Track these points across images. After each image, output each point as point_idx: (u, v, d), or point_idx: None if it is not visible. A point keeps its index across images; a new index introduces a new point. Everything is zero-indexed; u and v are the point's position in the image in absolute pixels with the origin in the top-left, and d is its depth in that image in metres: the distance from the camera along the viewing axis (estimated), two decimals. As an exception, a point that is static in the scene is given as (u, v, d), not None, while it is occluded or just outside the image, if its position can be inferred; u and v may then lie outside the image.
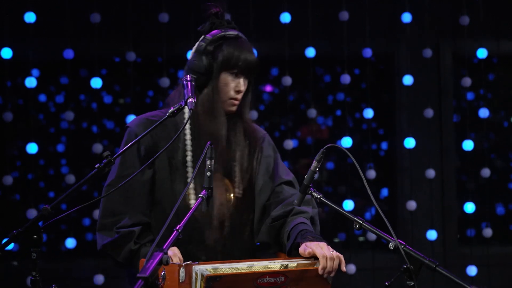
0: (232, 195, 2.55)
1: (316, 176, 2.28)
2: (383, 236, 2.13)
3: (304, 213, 2.50)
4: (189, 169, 2.50)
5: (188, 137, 2.53)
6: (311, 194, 2.27)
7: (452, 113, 5.53)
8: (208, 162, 2.19)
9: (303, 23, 5.03)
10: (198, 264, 2.11)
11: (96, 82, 4.90)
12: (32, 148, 4.84)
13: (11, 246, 2.20)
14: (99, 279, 4.81)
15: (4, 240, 2.08)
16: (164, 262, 1.85)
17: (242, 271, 2.14)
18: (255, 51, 2.59)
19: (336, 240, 5.67)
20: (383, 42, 5.44)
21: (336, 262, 2.27)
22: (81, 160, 5.29)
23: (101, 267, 4.82)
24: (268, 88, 5.73)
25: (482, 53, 5.21)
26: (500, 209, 5.78)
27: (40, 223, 2.09)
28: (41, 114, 5.59)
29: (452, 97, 5.52)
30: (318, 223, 2.57)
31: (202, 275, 2.07)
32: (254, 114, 4.75)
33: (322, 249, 2.26)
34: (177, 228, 1.98)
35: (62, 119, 5.47)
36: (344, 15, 4.98)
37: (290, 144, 4.95)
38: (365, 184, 2.14)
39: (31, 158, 5.02)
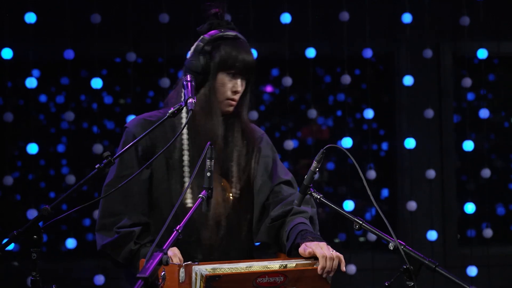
0: (229, 195, 2.55)
1: (316, 176, 2.28)
2: (383, 236, 2.13)
3: (303, 213, 2.50)
4: (186, 169, 2.50)
5: (185, 136, 2.52)
6: (311, 194, 2.26)
7: (452, 114, 5.53)
8: (208, 162, 2.19)
9: (303, 23, 5.02)
10: (198, 264, 2.11)
11: (97, 83, 4.90)
12: (32, 148, 4.84)
13: (11, 247, 2.20)
14: (99, 279, 4.82)
15: (5, 240, 2.07)
16: (164, 262, 1.85)
17: (242, 271, 2.14)
18: (255, 52, 2.60)
19: (336, 240, 5.67)
20: (383, 43, 5.44)
21: (335, 262, 2.27)
22: (82, 161, 5.29)
23: (101, 268, 4.82)
24: (269, 89, 5.73)
25: (482, 53, 5.21)
26: (500, 210, 5.78)
27: (40, 223, 2.09)
28: (42, 114, 5.59)
29: (452, 97, 5.52)
30: (317, 222, 2.57)
31: (202, 275, 2.08)
32: (254, 115, 4.75)
33: (322, 249, 2.26)
34: (177, 228, 1.98)
35: (62, 119, 5.48)
36: (344, 16, 4.98)
37: (290, 144, 4.95)
38: (365, 185, 2.14)
39: (32, 158, 5.03)
